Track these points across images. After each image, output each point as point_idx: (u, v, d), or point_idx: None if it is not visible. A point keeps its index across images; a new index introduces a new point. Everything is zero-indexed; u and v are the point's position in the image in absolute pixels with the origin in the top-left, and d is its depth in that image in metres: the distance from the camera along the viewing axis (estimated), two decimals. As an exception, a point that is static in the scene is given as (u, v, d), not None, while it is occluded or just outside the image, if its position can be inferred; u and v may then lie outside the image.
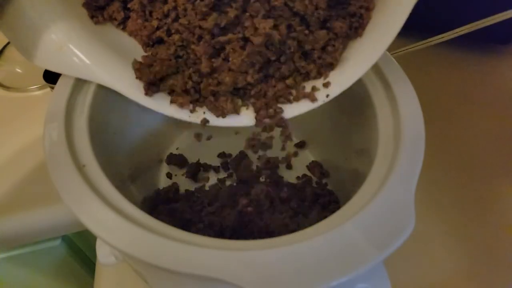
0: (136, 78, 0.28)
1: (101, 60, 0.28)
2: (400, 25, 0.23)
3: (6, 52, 0.54)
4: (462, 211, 0.38)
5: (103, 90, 0.28)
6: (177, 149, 0.39)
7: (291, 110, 0.28)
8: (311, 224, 0.21)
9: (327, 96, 0.27)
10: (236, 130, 0.40)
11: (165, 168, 0.38)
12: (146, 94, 0.28)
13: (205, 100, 0.28)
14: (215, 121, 0.28)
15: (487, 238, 0.37)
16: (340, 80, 0.26)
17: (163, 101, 0.29)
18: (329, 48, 0.26)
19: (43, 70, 0.45)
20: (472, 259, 0.35)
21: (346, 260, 0.18)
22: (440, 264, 0.35)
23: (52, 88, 0.44)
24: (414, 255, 0.35)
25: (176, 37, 0.27)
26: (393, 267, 0.29)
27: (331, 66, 0.26)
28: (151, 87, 0.28)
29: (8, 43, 0.55)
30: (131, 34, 0.29)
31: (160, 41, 0.28)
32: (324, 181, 0.36)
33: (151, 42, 0.29)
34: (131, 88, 0.28)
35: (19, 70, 0.52)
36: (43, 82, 0.44)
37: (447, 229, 0.37)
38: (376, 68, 0.28)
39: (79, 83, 0.28)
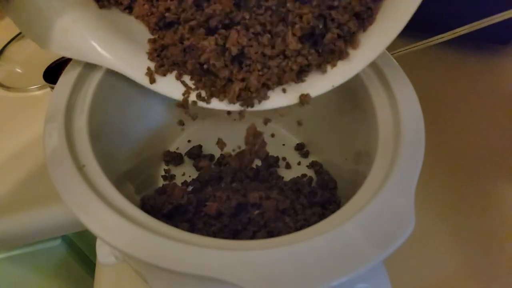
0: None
1: (107, 43, 0.28)
2: (412, 12, 0.23)
3: (6, 52, 0.54)
4: (462, 211, 0.38)
5: (103, 90, 0.28)
6: (177, 149, 0.39)
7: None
8: (311, 224, 0.21)
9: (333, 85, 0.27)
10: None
11: (164, 168, 0.38)
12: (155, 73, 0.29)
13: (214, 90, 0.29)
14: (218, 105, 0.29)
15: (487, 238, 0.37)
16: (348, 68, 0.26)
17: (169, 84, 0.29)
18: (341, 41, 0.26)
19: (43, 70, 0.45)
20: (472, 259, 0.35)
21: (346, 260, 0.18)
22: (440, 264, 0.35)
23: (52, 88, 0.44)
24: (414, 255, 0.35)
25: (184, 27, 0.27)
26: (393, 267, 0.29)
27: (341, 56, 0.26)
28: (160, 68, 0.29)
29: (8, 43, 0.55)
30: (137, 18, 0.30)
31: (169, 24, 0.29)
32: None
33: (157, 28, 0.29)
34: (138, 71, 0.28)
35: (19, 70, 0.52)
36: (43, 82, 0.44)
37: (447, 229, 0.37)
38: (376, 68, 0.28)
39: (79, 83, 0.28)
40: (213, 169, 0.37)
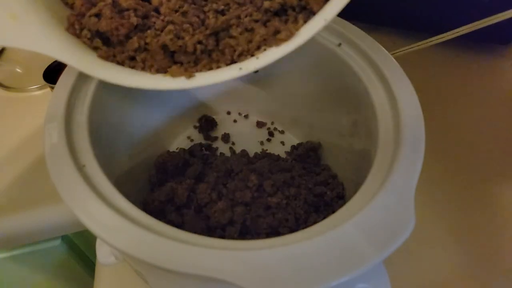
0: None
1: (50, 30, 0.25)
2: None
3: (6, 52, 0.54)
4: (462, 211, 0.38)
5: (103, 90, 0.28)
6: (177, 149, 0.39)
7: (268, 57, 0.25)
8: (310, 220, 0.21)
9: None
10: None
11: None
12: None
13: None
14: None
15: (487, 238, 0.37)
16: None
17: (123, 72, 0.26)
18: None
19: (43, 70, 0.45)
20: (472, 259, 0.35)
21: (346, 260, 0.18)
22: (440, 264, 0.35)
23: (52, 88, 0.44)
24: (414, 255, 0.35)
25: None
26: (393, 267, 0.29)
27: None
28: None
29: (8, 43, 0.55)
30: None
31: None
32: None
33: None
34: (84, 59, 0.25)
35: (19, 70, 0.52)
36: (43, 82, 0.44)
37: (447, 229, 0.37)
38: (376, 68, 0.28)
39: (79, 83, 0.28)
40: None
